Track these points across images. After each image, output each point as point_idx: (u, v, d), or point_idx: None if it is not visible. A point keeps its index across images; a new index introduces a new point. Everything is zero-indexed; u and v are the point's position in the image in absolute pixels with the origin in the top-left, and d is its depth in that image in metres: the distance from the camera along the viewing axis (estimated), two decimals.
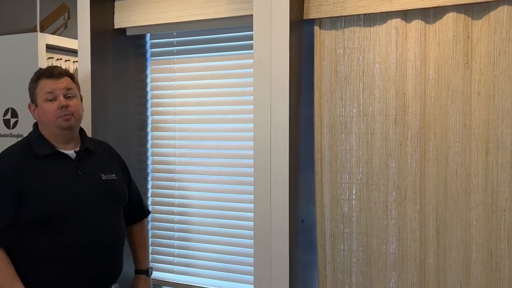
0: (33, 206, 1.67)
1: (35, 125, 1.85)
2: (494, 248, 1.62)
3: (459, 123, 1.70)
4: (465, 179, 1.69)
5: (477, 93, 1.66)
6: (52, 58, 2.84)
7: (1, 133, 2.81)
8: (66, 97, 1.78)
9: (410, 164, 1.78)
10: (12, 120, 2.78)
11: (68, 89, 1.79)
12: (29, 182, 1.70)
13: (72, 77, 1.85)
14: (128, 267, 2.17)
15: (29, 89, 1.83)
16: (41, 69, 1.87)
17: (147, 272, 2.08)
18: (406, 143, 1.79)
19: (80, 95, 1.87)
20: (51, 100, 1.76)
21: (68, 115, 1.76)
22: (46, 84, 1.77)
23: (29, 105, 1.83)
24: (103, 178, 1.84)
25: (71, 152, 1.81)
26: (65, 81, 1.79)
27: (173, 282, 2.57)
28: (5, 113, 2.80)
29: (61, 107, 1.75)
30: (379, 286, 1.84)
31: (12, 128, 2.78)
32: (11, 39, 2.80)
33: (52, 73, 1.79)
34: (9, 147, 1.82)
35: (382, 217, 1.83)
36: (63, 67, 2.91)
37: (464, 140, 1.69)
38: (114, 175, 1.89)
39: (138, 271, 2.07)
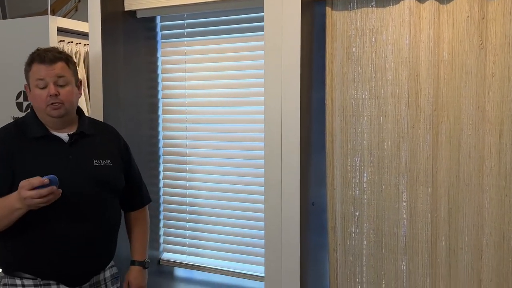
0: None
1: (32, 106, 1.80)
2: (507, 231, 1.61)
3: (472, 105, 1.68)
4: (478, 162, 1.68)
5: (491, 74, 1.64)
6: (63, 41, 2.84)
7: (14, 116, 2.84)
8: (58, 85, 1.70)
9: (422, 147, 1.77)
10: (25, 103, 2.80)
11: (60, 76, 1.71)
12: (21, 162, 1.65)
13: (68, 61, 1.76)
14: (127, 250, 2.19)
15: (24, 71, 1.76)
16: (36, 51, 1.77)
17: (143, 264, 1.97)
18: (419, 125, 1.77)
19: (79, 79, 1.80)
20: (42, 88, 1.70)
21: (57, 103, 1.70)
22: (38, 70, 1.70)
23: (25, 86, 1.78)
24: (95, 163, 1.77)
25: (64, 136, 1.75)
26: (57, 67, 1.70)
27: (185, 264, 2.61)
28: (18, 96, 2.82)
29: (51, 96, 1.69)
30: (390, 268, 1.84)
31: (25, 111, 2.81)
32: (22, 23, 2.80)
33: (44, 58, 1.70)
34: (4, 126, 1.78)
35: (394, 200, 1.82)
36: (74, 50, 2.92)
37: (477, 123, 1.68)
38: (108, 161, 1.81)
39: (133, 262, 1.97)
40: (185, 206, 2.60)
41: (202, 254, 2.57)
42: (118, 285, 1.91)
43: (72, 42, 2.89)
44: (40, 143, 1.71)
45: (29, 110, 1.82)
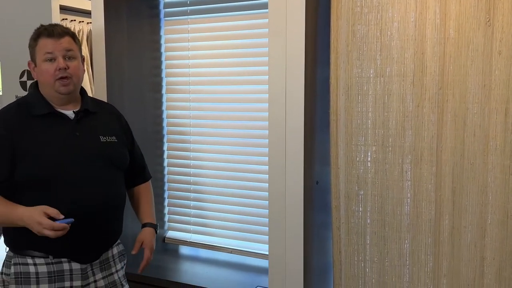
0: (28, 166, 1.63)
1: (35, 84, 1.79)
2: (511, 210, 1.61)
3: (478, 83, 1.66)
4: (483, 141, 1.67)
5: (498, 52, 1.62)
6: (66, 19, 2.83)
7: (18, 95, 2.84)
8: (66, 58, 1.71)
9: (427, 125, 1.76)
10: (29, 82, 2.80)
11: (68, 50, 1.71)
12: (23, 141, 1.65)
13: (74, 36, 1.77)
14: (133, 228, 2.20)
15: (29, 46, 1.76)
16: (41, 26, 1.77)
17: (155, 227, 1.97)
18: (424, 104, 1.76)
19: (82, 56, 1.80)
20: (50, 61, 1.69)
21: (66, 78, 1.70)
22: (45, 44, 1.70)
23: (28, 63, 1.77)
24: (101, 140, 1.78)
25: (69, 113, 1.75)
26: (65, 41, 1.71)
27: (190, 242, 2.63)
28: (21, 75, 2.82)
29: (60, 69, 1.69)
30: (393, 247, 1.86)
31: (28, 90, 2.81)
32: (25, 1, 2.78)
33: (52, 32, 1.71)
34: (6, 106, 1.77)
35: (398, 178, 1.82)
36: (77, 28, 2.90)
37: (483, 101, 1.66)
38: (114, 138, 1.82)
39: (145, 224, 1.96)
40: (190, 185, 2.61)
41: (206, 233, 2.59)
42: (125, 261, 1.93)
43: (74, 20, 2.87)
44: (46, 121, 1.71)
45: (31, 89, 1.81)
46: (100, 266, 1.80)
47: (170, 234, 2.71)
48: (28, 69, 2.78)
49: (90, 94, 3.19)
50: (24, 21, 2.77)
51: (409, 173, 1.81)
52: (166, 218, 2.71)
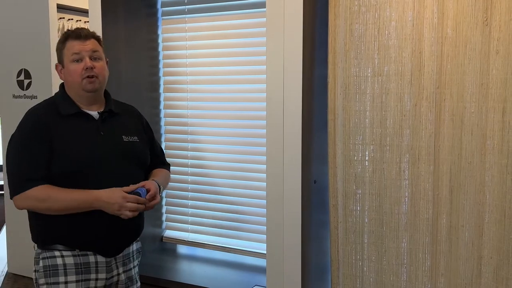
0: (57, 162, 1.71)
1: (62, 86, 1.88)
2: (508, 209, 1.62)
3: (476, 82, 1.67)
4: (480, 140, 1.67)
5: (496, 51, 1.62)
6: (63, 18, 2.82)
7: (15, 94, 2.83)
8: (92, 59, 1.80)
9: (425, 124, 1.77)
10: (26, 81, 2.79)
11: (94, 51, 1.81)
12: (53, 138, 1.73)
13: (99, 39, 1.87)
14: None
15: (57, 49, 1.85)
16: (69, 30, 1.89)
17: (160, 186, 1.92)
18: (421, 103, 1.76)
19: (106, 59, 1.89)
20: (77, 61, 1.78)
21: (93, 77, 1.78)
22: (73, 45, 1.79)
23: (56, 66, 1.86)
24: (124, 139, 1.86)
25: (94, 113, 1.83)
26: (91, 43, 1.81)
27: (187, 241, 2.63)
28: (19, 74, 2.81)
29: (87, 68, 1.77)
30: (391, 245, 1.86)
31: (26, 89, 2.80)
32: (22, 0, 2.77)
33: (80, 34, 1.80)
34: (35, 106, 1.86)
35: (395, 178, 1.83)
36: (74, 27, 2.90)
37: (480, 100, 1.67)
38: (136, 138, 1.90)
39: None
40: (187, 185, 2.61)
41: (204, 232, 2.59)
42: (140, 259, 1.98)
43: (72, 19, 2.86)
44: (73, 120, 1.78)
45: (58, 91, 1.89)
46: (123, 261, 1.85)
47: (168, 233, 2.70)
48: (25, 68, 2.78)
49: None
50: (21, 20, 2.76)
51: (406, 172, 1.81)
52: (164, 218, 2.71)
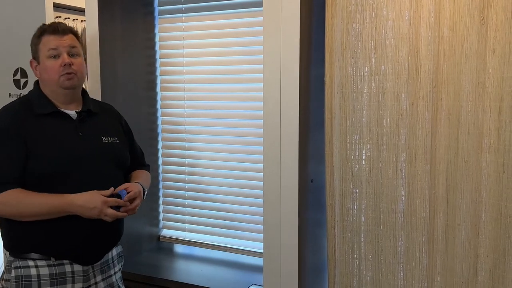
0: (33, 164, 1.62)
1: (36, 83, 1.77)
2: (504, 207, 1.62)
3: (472, 81, 1.67)
4: (477, 139, 1.68)
5: (492, 50, 1.62)
6: (60, 17, 2.81)
7: (12, 94, 2.82)
8: (70, 55, 1.70)
9: (422, 124, 1.77)
10: (22, 80, 2.79)
11: (73, 46, 1.72)
12: (29, 139, 1.63)
13: (77, 35, 1.78)
14: (133, 228, 2.18)
15: (31, 44, 1.75)
16: (44, 24, 1.78)
17: (144, 188, 1.87)
18: (418, 102, 1.77)
19: (84, 55, 1.80)
20: (54, 57, 1.69)
21: (71, 73, 1.70)
22: (49, 40, 1.69)
23: (30, 62, 1.76)
24: (104, 140, 1.78)
25: (72, 113, 1.74)
26: (69, 38, 1.72)
27: (185, 240, 2.63)
28: (15, 73, 2.80)
29: (64, 65, 1.68)
30: (388, 244, 1.86)
31: (22, 88, 2.79)
32: None
33: (57, 29, 1.71)
34: (9, 103, 1.75)
35: (392, 177, 1.83)
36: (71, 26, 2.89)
37: (477, 99, 1.67)
38: (115, 138, 1.83)
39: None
40: (184, 183, 2.61)
41: (201, 231, 2.59)
42: (123, 263, 1.91)
43: (68, 18, 2.86)
44: (49, 120, 1.69)
45: (33, 88, 1.79)
46: (101, 268, 1.78)
47: (165, 232, 2.70)
48: (22, 67, 2.77)
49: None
50: (18, 19, 2.76)
51: (403, 171, 1.81)
52: (160, 217, 2.71)
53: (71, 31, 1.75)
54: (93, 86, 2.31)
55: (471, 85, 1.67)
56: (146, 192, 1.88)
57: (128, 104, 2.45)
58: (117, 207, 1.66)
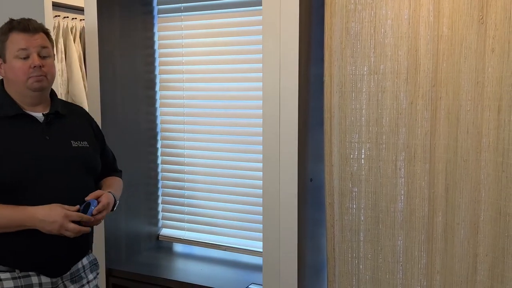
0: None
1: (0, 82, 1.65)
2: (503, 207, 1.62)
3: (471, 80, 1.67)
4: (476, 138, 1.68)
5: (491, 49, 1.62)
6: (59, 16, 2.81)
7: None
8: (41, 56, 1.58)
9: (421, 123, 1.77)
10: None
11: (43, 47, 1.59)
12: None
13: (48, 33, 1.66)
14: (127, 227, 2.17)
15: None
16: (13, 20, 1.64)
17: (115, 197, 1.76)
18: (417, 101, 1.77)
19: (53, 53, 1.68)
20: (23, 58, 1.57)
21: (40, 76, 1.58)
22: (19, 39, 1.57)
23: None
24: (73, 145, 1.66)
25: (39, 115, 1.62)
26: (40, 38, 1.59)
27: (184, 239, 2.63)
28: None
29: (34, 67, 1.56)
30: (387, 244, 1.86)
31: None
32: None
33: (27, 27, 1.58)
34: None
35: (391, 176, 1.83)
36: (70, 25, 2.88)
37: (476, 98, 1.67)
38: (86, 143, 1.71)
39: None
40: (184, 183, 2.60)
41: (200, 230, 2.58)
42: (98, 271, 1.82)
43: (67, 17, 2.86)
44: (13, 123, 1.58)
45: None
46: (71, 279, 1.67)
47: (164, 231, 2.70)
48: None
49: (83, 91, 3.18)
50: (16, 18, 2.75)
51: (402, 170, 1.82)
52: (160, 216, 2.71)
53: (42, 29, 1.64)
54: (92, 86, 2.31)
55: (470, 84, 1.67)
56: (117, 203, 1.77)
57: (127, 104, 2.45)
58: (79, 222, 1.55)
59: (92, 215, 1.58)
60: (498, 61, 1.61)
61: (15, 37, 1.58)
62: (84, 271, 1.73)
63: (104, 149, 1.87)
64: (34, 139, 1.59)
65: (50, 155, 1.59)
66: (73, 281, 1.68)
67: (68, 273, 1.66)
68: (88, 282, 1.74)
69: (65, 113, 1.71)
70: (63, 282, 1.64)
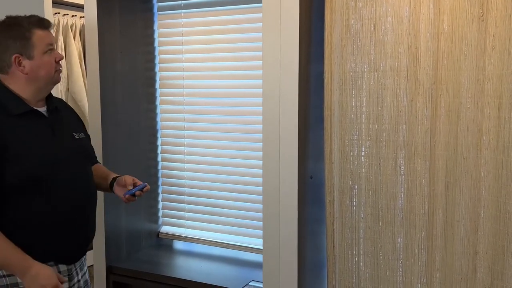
0: (12, 168, 1.53)
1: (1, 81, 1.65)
2: (503, 204, 1.62)
3: (472, 78, 1.67)
4: (476, 135, 1.68)
5: (492, 47, 1.62)
6: (59, 13, 2.81)
7: None
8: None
9: (421, 120, 1.77)
10: None
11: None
12: (7, 141, 1.54)
13: None
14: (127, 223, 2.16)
15: (19, 38, 1.59)
16: (20, 16, 1.67)
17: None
18: (417, 99, 1.76)
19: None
20: (50, 54, 1.63)
21: (60, 68, 1.70)
22: (44, 35, 1.62)
23: (16, 58, 1.59)
24: (76, 137, 1.74)
25: (43, 110, 1.67)
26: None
27: (184, 236, 2.63)
28: None
29: (59, 60, 1.66)
30: (387, 241, 1.86)
31: None
32: None
33: (47, 24, 1.65)
34: None
35: (391, 173, 1.83)
36: (70, 22, 2.88)
37: (476, 96, 1.67)
38: (82, 134, 1.79)
39: (115, 178, 1.87)
40: (184, 180, 2.60)
41: (200, 227, 2.59)
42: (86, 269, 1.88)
43: (67, 14, 2.85)
44: (24, 120, 1.61)
45: None
46: (80, 265, 1.75)
47: (164, 229, 2.70)
48: None
49: (83, 88, 3.18)
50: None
51: (402, 167, 1.82)
52: (160, 213, 2.71)
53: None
54: (92, 83, 2.31)
55: (471, 81, 1.67)
56: None
57: (127, 101, 2.45)
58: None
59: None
60: (498, 59, 1.61)
61: (40, 33, 1.61)
62: (85, 259, 1.82)
63: (89, 138, 1.95)
64: (44, 134, 1.65)
65: (60, 148, 1.66)
66: (81, 268, 1.77)
67: (78, 261, 1.74)
68: (87, 270, 1.84)
69: (60, 107, 1.78)
70: (75, 269, 1.72)
